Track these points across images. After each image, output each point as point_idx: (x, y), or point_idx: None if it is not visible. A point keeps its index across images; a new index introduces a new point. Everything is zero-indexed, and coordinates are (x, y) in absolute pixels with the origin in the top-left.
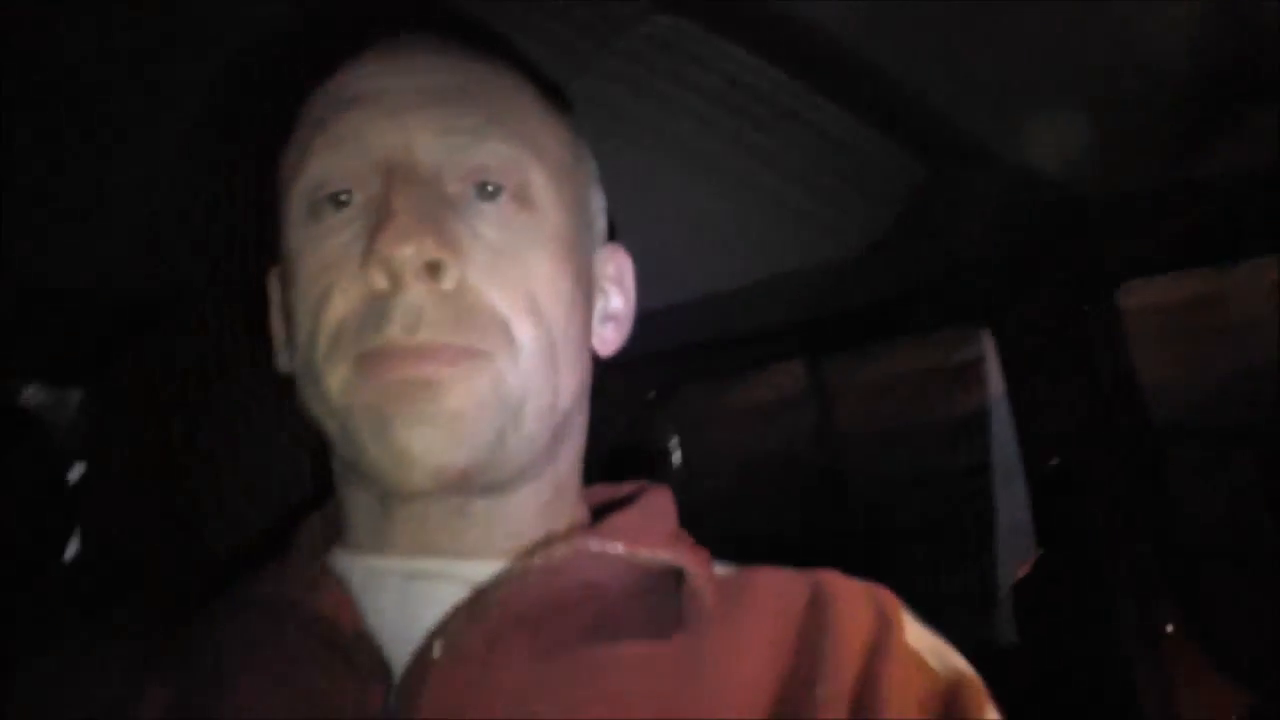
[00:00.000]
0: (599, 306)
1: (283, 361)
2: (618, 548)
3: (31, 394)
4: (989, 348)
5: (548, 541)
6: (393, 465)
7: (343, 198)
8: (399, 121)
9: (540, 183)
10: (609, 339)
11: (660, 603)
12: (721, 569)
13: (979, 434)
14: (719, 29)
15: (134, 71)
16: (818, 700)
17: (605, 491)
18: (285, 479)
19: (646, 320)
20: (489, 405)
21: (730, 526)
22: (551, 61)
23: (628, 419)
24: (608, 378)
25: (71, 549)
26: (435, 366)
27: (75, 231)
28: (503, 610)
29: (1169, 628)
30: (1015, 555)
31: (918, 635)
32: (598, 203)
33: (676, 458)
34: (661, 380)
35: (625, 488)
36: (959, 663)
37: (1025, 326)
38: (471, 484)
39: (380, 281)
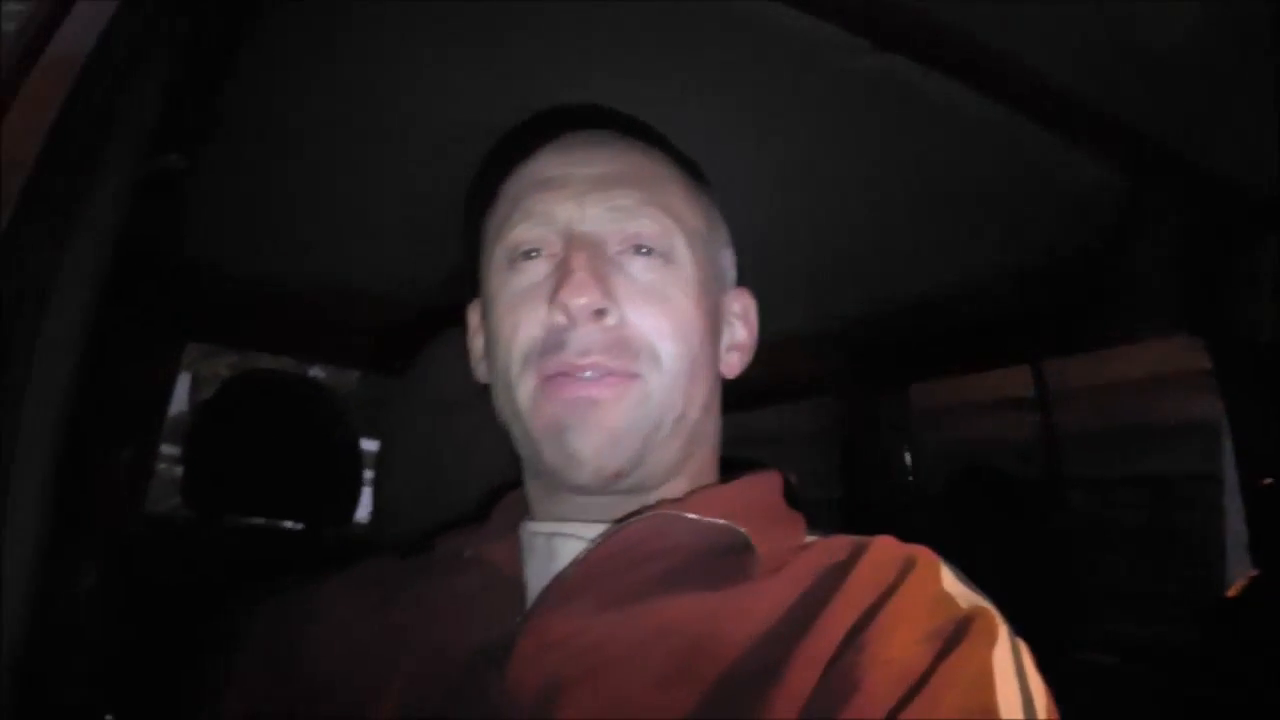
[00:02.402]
0: (726, 338)
1: (480, 373)
2: (688, 515)
3: (315, 371)
4: None
5: (642, 509)
6: (564, 465)
7: (532, 254)
8: (577, 201)
9: (680, 245)
10: (733, 365)
11: (727, 561)
12: (811, 536)
13: (1208, 443)
14: (937, 66)
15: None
16: (818, 625)
17: (740, 470)
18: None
19: (879, 320)
20: (637, 419)
21: (948, 520)
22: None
23: (862, 417)
24: (843, 377)
25: (363, 510)
26: (599, 390)
27: (388, 243)
28: (595, 559)
29: None
30: (1237, 572)
31: (953, 584)
32: (727, 257)
33: (905, 454)
34: (893, 379)
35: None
36: (987, 605)
37: (1240, 340)
38: (623, 482)
39: (560, 319)
